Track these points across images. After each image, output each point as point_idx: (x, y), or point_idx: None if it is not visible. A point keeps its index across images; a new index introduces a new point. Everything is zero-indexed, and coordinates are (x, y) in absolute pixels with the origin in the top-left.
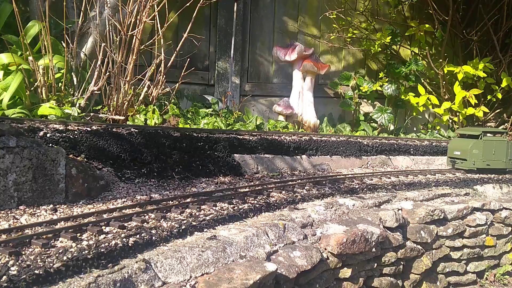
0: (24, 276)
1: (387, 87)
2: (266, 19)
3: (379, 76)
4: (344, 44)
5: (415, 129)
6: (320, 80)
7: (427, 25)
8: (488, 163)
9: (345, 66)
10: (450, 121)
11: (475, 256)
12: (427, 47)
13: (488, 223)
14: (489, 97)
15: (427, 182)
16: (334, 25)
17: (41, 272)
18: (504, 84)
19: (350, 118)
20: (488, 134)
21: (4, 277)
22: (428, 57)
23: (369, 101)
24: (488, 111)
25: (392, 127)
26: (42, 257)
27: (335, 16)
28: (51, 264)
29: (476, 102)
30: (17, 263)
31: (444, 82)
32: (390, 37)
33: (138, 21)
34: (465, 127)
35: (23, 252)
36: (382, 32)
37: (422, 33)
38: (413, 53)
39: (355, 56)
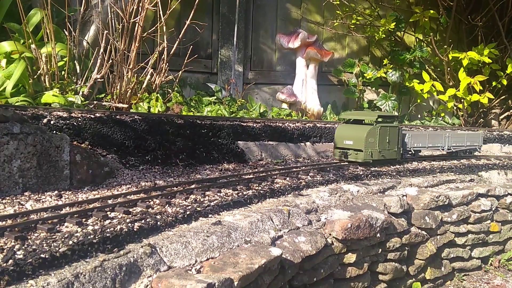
0: (30, 260)
1: (391, 74)
2: (269, 7)
3: (383, 63)
4: (348, 31)
5: (419, 116)
6: (323, 67)
7: (431, 11)
8: (384, 154)
9: (348, 53)
10: (455, 108)
11: (480, 241)
12: (431, 33)
13: (493, 209)
14: (494, 83)
15: (431, 169)
16: (338, 12)
17: (47, 256)
18: (509, 70)
19: (354, 106)
20: (380, 119)
21: (11, 261)
22: (432, 44)
23: (373, 88)
24: (493, 98)
25: (396, 114)
26: (48, 241)
27: (338, 2)
28: (57, 249)
29: (481, 88)
30: (23, 247)
31: (448, 69)
32: (394, 23)
33: (140, 8)
34: (352, 110)
35: (29, 237)
36: (386, 18)
37: (426, 19)
38: (417, 40)
39: (359, 43)
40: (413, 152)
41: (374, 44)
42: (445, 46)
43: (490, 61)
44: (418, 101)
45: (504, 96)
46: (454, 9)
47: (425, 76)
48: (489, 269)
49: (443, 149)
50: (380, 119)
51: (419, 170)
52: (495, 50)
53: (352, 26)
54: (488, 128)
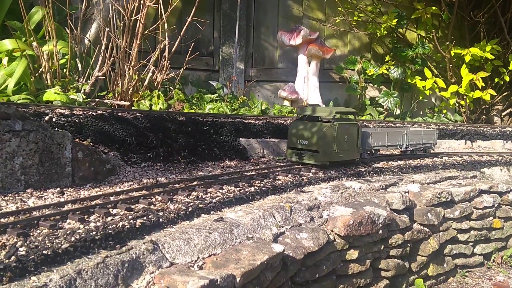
0: (33, 256)
1: (393, 71)
2: (271, 4)
3: (385, 60)
4: (350, 28)
5: (421, 113)
6: (325, 64)
7: (433, 7)
8: (342, 154)
9: (350, 50)
10: (457, 104)
11: (482, 238)
12: (433, 30)
13: (496, 205)
14: (496, 79)
15: (434, 165)
16: (340, 9)
17: (49, 253)
18: (511, 66)
19: (356, 103)
20: (338, 116)
21: (13, 257)
22: (434, 40)
23: (375, 85)
24: (496, 94)
25: (398, 111)
26: (50, 238)
27: None
28: (59, 245)
29: (483, 85)
30: (26, 244)
31: (451, 65)
32: (396, 20)
33: (141, 5)
34: (310, 105)
35: (31, 234)
36: (388, 15)
37: (428, 16)
38: (419, 36)
39: (360, 40)
40: (373, 151)
41: (376, 41)
42: (447, 43)
43: (493, 57)
44: (420, 98)
45: (506, 93)
46: (456, 5)
47: (427, 72)
48: (491, 266)
49: (401, 148)
50: (338, 116)
51: (421, 167)
52: (498, 46)
53: (354, 23)
54: (491, 124)
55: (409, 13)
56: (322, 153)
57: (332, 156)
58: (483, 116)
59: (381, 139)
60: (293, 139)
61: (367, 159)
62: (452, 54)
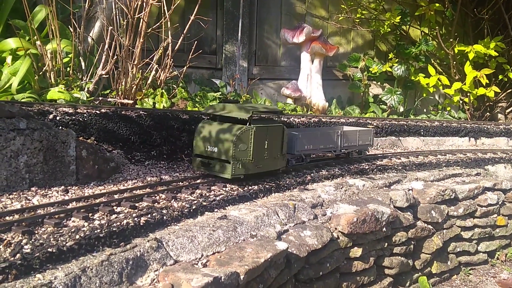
0: (38, 254)
1: (397, 68)
2: (274, 1)
3: (389, 57)
4: (353, 25)
5: (425, 110)
6: (328, 62)
7: (437, 4)
8: (261, 164)
9: (353, 48)
10: (461, 101)
11: (486, 235)
12: (437, 27)
13: (500, 203)
14: (500, 76)
15: (437, 163)
16: (343, 6)
17: (54, 251)
18: None
19: (359, 100)
20: (257, 116)
21: (18, 255)
22: (438, 37)
23: (379, 83)
24: (500, 91)
25: (401, 109)
26: (55, 236)
27: None
28: (64, 243)
29: (487, 82)
30: (31, 241)
31: (454, 62)
32: (399, 17)
33: (144, 4)
34: (223, 102)
35: (36, 231)
36: (391, 12)
37: (432, 13)
38: (423, 33)
39: (364, 37)
40: (303, 156)
41: (379, 38)
42: (451, 40)
43: (497, 54)
44: (424, 95)
45: (510, 90)
46: (459, 2)
47: (431, 70)
48: (495, 263)
49: (335, 151)
50: (256, 117)
51: (425, 164)
52: (502, 43)
53: (357, 20)
54: (495, 122)
55: (412, 10)
56: (235, 164)
57: (248, 167)
58: (487, 113)
59: (312, 141)
60: (200, 144)
61: (297, 167)
62: (456, 51)
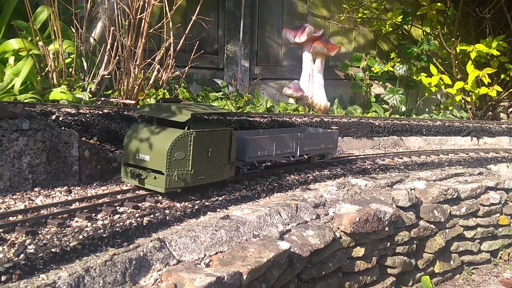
0: (41, 254)
1: (399, 68)
2: (275, 1)
3: (391, 57)
4: (355, 25)
5: (427, 110)
6: (330, 62)
7: (439, 4)
8: (203, 175)
9: (355, 47)
10: (463, 101)
11: (489, 235)
12: (439, 26)
13: (502, 202)
14: (502, 76)
15: (440, 162)
16: (344, 6)
17: (57, 251)
18: None
19: (361, 100)
20: (198, 119)
21: (22, 255)
22: (440, 37)
23: (380, 82)
24: (502, 90)
25: (403, 108)
26: (58, 236)
27: None
28: (67, 243)
29: (490, 81)
30: (34, 242)
31: (456, 62)
32: (401, 16)
33: (146, 4)
34: (161, 102)
35: (40, 232)
36: (393, 11)
37: (434, 12)
38: (424, 33)
39: (365, 37)
40: (256, 164)
41: (381, 38)
42: (453, 39)
43: (499, 53)
44: (426, 94)
45: None
46: (461, 1)
47: (433, 69)
48: (498, 263)
49: (293, 157)
50: (196, 120)
51: (427, 164)
52: (504, 42)
53: (359, 20)
54: (497, 121)
55: (414, 10)
56: (170, 175)
57: (187, 178)
58: (489, 112)
59: (266, 147)
60: (130, 150)
61: (249, 175)
62: (458, 51)
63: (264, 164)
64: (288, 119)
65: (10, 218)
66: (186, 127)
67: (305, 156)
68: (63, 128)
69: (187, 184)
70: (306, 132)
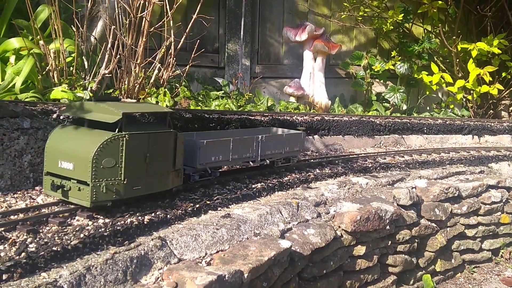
0: (43, 253)
1: (400, 66)
2: (276, 0)
3: (392, 55)
4: (355, 23)
5: (428, 108)
6: (331, 60)
7: (440, 2)
8: (139, 185)
9: (356, 46)
10: (464, 99)
11: (490, 233)
12: (440, 25)
13: (504, 201)
14: (504, 74)
15: (441, 161)
16: (345, 4)
17: (58, 249)
18: None
19: (362, 99)
20: (131, 119)
21: (23, 254)
22: (441, 35)
23: (381, 81)
24: (503, 89)
25: (405, 107)
26: (59, 234)
27: None
28: (68, 242)
29: (491, 79)
30: (35, 240)
31: (457, 60)
32: (402, 14)
33: (147, 3)
34: (94, 99)
35: (41, 230)
36: (394, 9)
37: (435, 10)
38: (425, 31)
39: (366, 35)
40: (209, 170)
41: (382, 36)
42: (454, 37)
43: (500, 51)
44: (427, 93)
45: None
46: None
47: (434, 67)
48: (499, 261)
49: (253, 161)
50: (130, 120)
51: (428, 162)
52: (505, 40)
53: (360, 18)
54: (498, 119)
55: (415, 8)
56: (97, 187)
57: (118, 190)
58: (491, 110)
59: (222, 151)
60: (52, 158)
61: (202, 183)
62: (459, 49)
63: (219, 170)
64: (289, 118)
65: (11, 217)
66: (117, 129)
67: (267, 160)
68: None
69: (120, 197)
70: (270, 133)
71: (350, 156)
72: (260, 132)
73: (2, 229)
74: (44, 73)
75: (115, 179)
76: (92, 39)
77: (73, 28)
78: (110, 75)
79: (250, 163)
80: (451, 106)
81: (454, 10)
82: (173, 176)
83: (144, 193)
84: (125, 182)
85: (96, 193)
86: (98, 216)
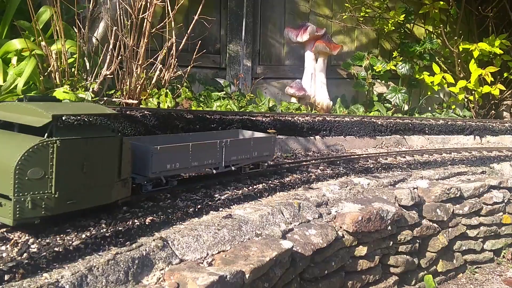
0: (44, 253)
1: (401, 67)
2: (277, 0)
3: (393, 56)
4: (357, 24)
5: (430, 108)
6: (332, 61)
7: (441, 2)
8: (73, 199)
9: (358, 46)
10: (466, 100)
11: (492, 234)
12: (441, 25)
13: (505, 201)
14: (505, 74)
15: (442, 161)
16: (347, 4)
17: (60, 250)
18: None
19: (363, 99)
20: (64, 122)
21: (25, 254)
22: (442, 35)
23: (383, 81)
24: (505, 89)
25: (406, 107)
26: (61, 235)
27: None
28: (70, 242)
29: (492, 80)
30: (37, 241)
31: (459, 60)
32: (403, 15)
33: (148, 4)
34: (25, 99)
35: (43, 231)
36: (395, 10)
37: (436, 11)
38: (427, 31)
39: (368, 36)
40: (163, 180)
41: (383, 37)
42: (456, 38)
43: (502, 52)
44: (429, 93)
45: None
46: (464, 0)
47: (436, 68)
48: (501, 262)
49: (217, 168)
50: (63, 124)
51: (430, 163)
52: (506, 41)
53: (361, 19)
54: (500, 120)
55: (416, 8)
56: (21, 202)
57: (49, 204)
58: (492, 111)
59: (180, 157)
60: None
61: (159, 192)
62: (461, 49)
63: (177, 179)
64: (290, 119)
65: None
66: (46, 134)
67: (232, 167)
68: None
69: (50, 212)
70: (238, 137)
71: (352, 156)
72: (227, 136)
73: (4, 229)
74: (46, 74)
75: (43, 193)
76: (94, 40)
77: (75, 29)
78: (112, 76)
79: (213, 170)
80: (453, 107)
81: (456, 10)
82: (119, 187)
83: (82, 208)
84: (56, 196)
85: (20, 209)
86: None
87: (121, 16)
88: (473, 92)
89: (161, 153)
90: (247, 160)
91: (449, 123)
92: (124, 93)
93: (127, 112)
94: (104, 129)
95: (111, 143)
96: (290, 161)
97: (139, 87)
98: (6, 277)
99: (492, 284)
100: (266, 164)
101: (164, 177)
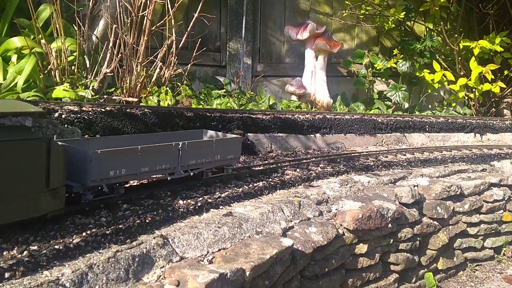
0: (45, 251)
1: (402, 64)
2: None
3: (393, 53)
4: (357, 21)
5: (430, 106)
6: (333, 58)
7: (442, 0)
8: None
9: (358, 44)
10: (466, 97)
11: (493, 231)
12: (442, 22)
13: (506, 199)
14: (506, 72)
15: (443, 159)
16: (347, 2)
17: (61, 248)
18: None
19: (363, 97)
20: None
21: (25, 252)
22: (443, 33)
23: (383, 79)
24: (505, 87)
25: (406, 105)
26: (62, 233)
27: None
28: (71, 240)
29: (493, 77)
30: (38, 239)
31: (459, 58)
32: (404, 12)
33: (148, 1)
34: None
35: (43, 228)
36: (395, 7)
37: (437, 8)
38: (427, 29)
39: (368, 34)
40: (105, 188)
41: (383, 34)
42: (456, 35)
43: (502, 49)
44: (429, 91)
45: None
46: None
47: (436, 66)
48: (502, 259)
49: (172, 174)
50: None
51: (430, 160)
52: (507, 38)
53: (361, 17)
54: (500, 117)
55: (417, 6)
56: None
57: None
58: (493, 109)
59: (127, 162)
60: None
61: (102, 202)
62: (461, 47)
63: (123, 186)
64: (290, 116)
65: None
66: None
67: (190, 172)
68: (66, 125)
69: None
70: (201, 138)
71: (352, 154)
72: (190, 136)
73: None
74: (46, 72)
75: None
76: (94, 38)
77: (75, 27)
78: (112, 74)
79: (168, 176)
80: (453, 104)
81: (456, 8)
82: (48, 198)
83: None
84: None
85: None
86: None
87: (121, 14)
88: (474, 89)
89: (102, 158)
90: (209, 164)
91: (449, 120)
92: (124, 91)
93: (127, 110)
94: (22, 130)
95: (34, 146)
96: (290, 159)
97: (139, 85)
98: (7, 275)
99: (492, 281)
100: (231, 168)
101: (107, 185)
